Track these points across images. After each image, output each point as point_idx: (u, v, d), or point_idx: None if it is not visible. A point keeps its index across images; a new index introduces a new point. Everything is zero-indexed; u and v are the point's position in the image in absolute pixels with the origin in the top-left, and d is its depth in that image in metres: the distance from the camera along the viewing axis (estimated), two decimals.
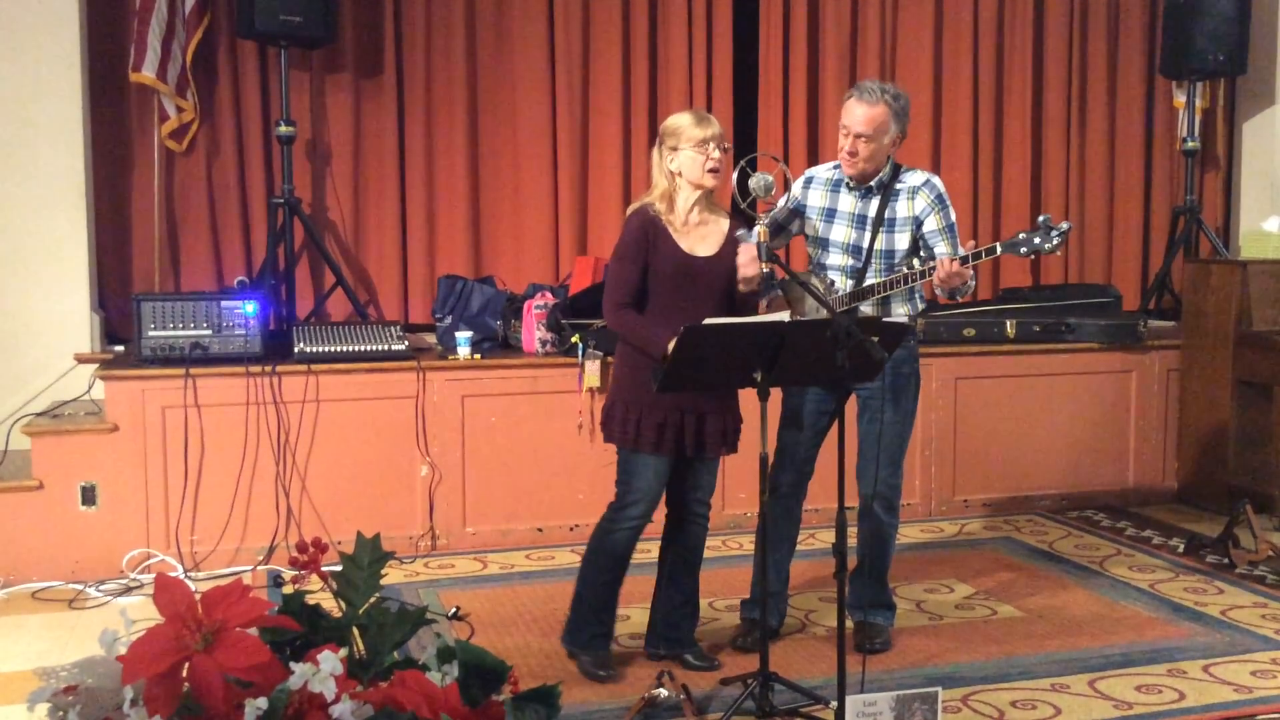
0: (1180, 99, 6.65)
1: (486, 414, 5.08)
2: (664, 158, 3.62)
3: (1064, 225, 3.63)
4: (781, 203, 4.01)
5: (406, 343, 5.11)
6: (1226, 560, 4.86)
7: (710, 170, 3.58)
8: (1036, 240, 3.63)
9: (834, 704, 3.11)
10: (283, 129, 5.39)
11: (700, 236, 3.63)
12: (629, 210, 3.72)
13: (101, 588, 4.55)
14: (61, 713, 1.62)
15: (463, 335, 5.16)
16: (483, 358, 5.16)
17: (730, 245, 3.64)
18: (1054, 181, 6.63)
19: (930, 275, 3.74)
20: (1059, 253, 3.65)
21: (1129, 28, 6.72)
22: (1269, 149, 6.69)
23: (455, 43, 5.77)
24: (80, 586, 4.55)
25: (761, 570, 3.54)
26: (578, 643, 3.74)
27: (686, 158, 3.57)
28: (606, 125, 5.94)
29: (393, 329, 5.15)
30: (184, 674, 1.56)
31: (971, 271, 3.72)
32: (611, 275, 3.66)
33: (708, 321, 3.25)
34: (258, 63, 5.54)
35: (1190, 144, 6.57)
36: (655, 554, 3.86)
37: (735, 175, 3.87)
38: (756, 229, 3.61)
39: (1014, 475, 5.79)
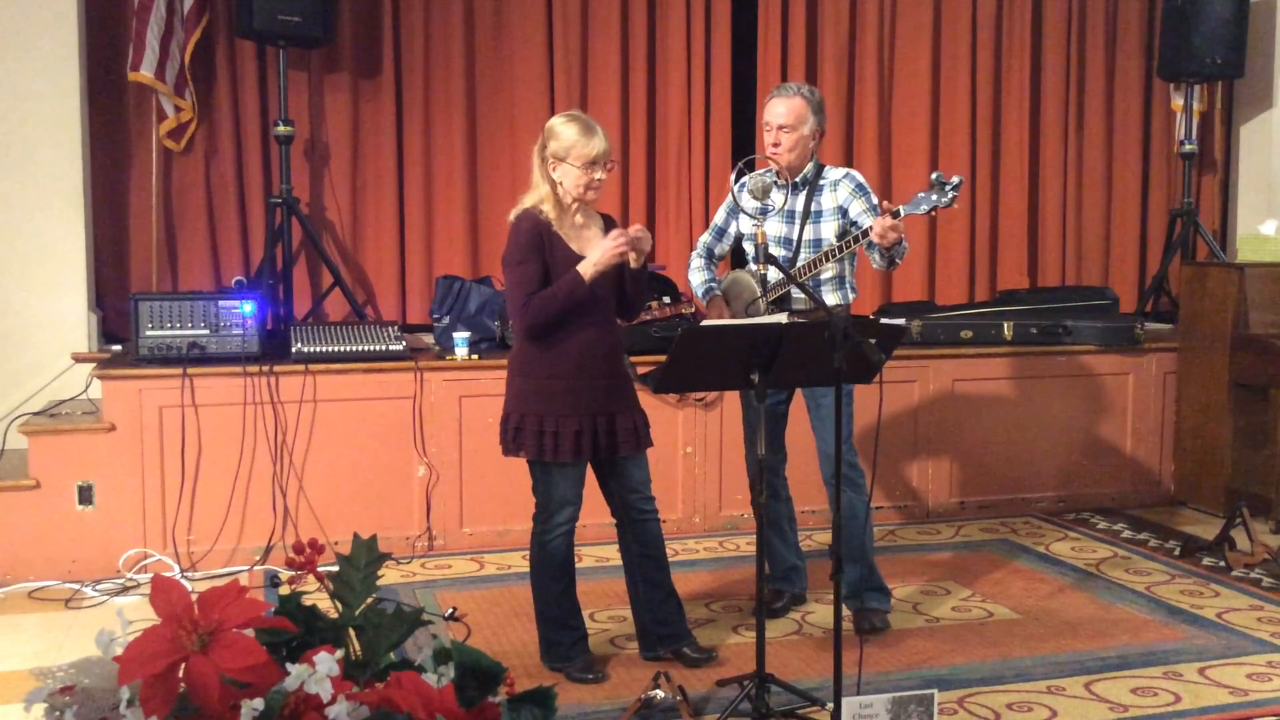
0: (1178, 102, 6.65)
1: (484, 414, 5.08)
2: (546, 163, 3.55)
3: (955, 179, 3.79)
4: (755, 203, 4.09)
5: (404, 343, 5.11)
6: (1223, 563, 4.86)
7: (592, 189, 3.55)
8: (934, 197, 3.79)
9: (830, 706, 3.11)
10: (281, 129, 5.39)
11: (587, 238, 3.62)
12: (512, 215, 3.62)
13: (98, 587, 4.55)
14: (58, 713, 1.62)
15: (460, 335, 5.16)
16: (480, 358, 5.16)
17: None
18: (1052, 184, 6.64)
19: (855, 244, 3.91)
20: (954, 207, 3.79)
21: (1127, 30, 6.73)
22: (1266, 152, 6.70)
23: (454, 43, 5.78)
24: (77, 586, 4.55)
25: (761, 565, 3.52)
26: (558, 656, 3.71)
27: (569, 174, 3.52)
28: (604, 126, 5.88)
29: (390, 329, 5.15)
30: (180, 674, 1.56)
31: (903, 228, 3.81)
32: (514, 279, 3.55)
33: (705, 323, 3.25)
34: (256, 62, 5.55)
35: (1188, 147, 6.58)
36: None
37: (734, 176, 3.87)
38: (756, 231, 3.63)
39: (1011, 477, 5.79)
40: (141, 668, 1.53)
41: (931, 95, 6.40)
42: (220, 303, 4.87)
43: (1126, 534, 5.45)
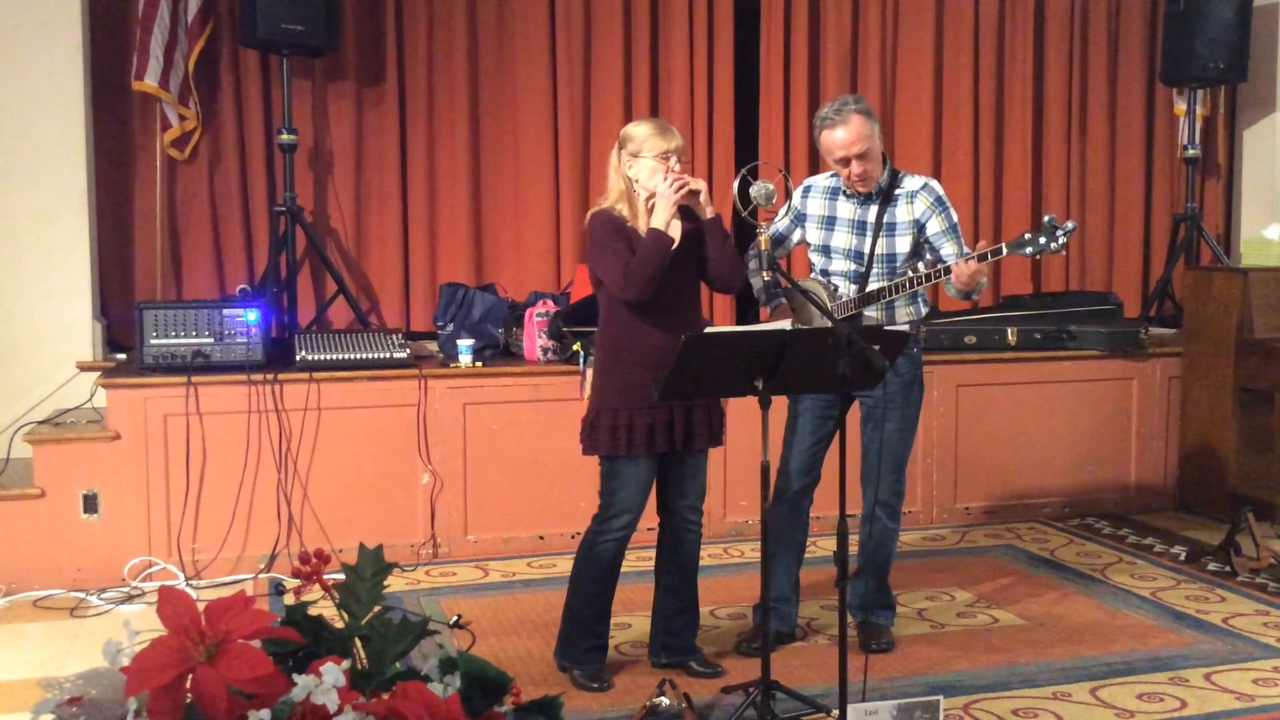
0: (1181, 106, 6.65)
1: (488, 422, 5.09)
2: (622, 163, 3.65)
3: (1069, 225, 3.61)
4: (783, 213, 4.03)
5: (408, 350, 5.11)
6: (1228, 568, 4.86)
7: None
8: (1042, 240, 3.61)
9: (835, 712, 3.11)
10: (285, 137, 5.40)
11: None
12: (589, 214, 3.71)
13: (103, 596, 4.55)
14: None
15: (464, 343, 5.17)
16: (484, 366, 5.16)
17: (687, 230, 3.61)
18: (1055, 189, 6.64)
19: (937, 278, 3.75)
20: (1063, 253, 3.63)
21: (1129, 35, 6.73)
22: (1270, 156, 6.70)
23: (457, 51, 5.78)
24: (82, 595, 4.55)
25: (766, 576, 3.53)
26: (571, 657, 3.72)
27: (646, 167, 3.58)
28: (608, 133, 5.94)
29: (394, 337, 5.15)
30: (187, 686, 1.56)
31: (986, 269, 3.71)
32: (606, 263, 3.57)
33: (709, 330, 3.26)
34: (260, 71, 5.55)
35: (1191, 151, 6.58)
36: (652, 562, 3.86)
37: (736, 184, 3.87)
38: (758, 237, 3.62)
39: (1015, 482, 5.79)
40: (149, 679, 1.53)
41: (934, 101, 6.41)
42: (225, 311, 4.88)
43: (1132, 539, 5.44)
